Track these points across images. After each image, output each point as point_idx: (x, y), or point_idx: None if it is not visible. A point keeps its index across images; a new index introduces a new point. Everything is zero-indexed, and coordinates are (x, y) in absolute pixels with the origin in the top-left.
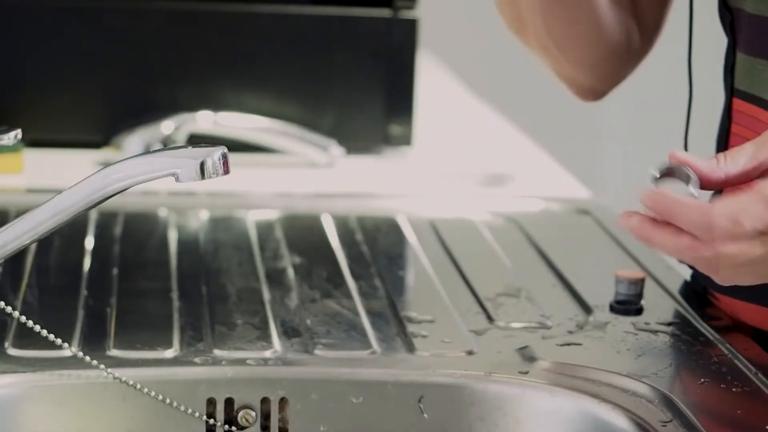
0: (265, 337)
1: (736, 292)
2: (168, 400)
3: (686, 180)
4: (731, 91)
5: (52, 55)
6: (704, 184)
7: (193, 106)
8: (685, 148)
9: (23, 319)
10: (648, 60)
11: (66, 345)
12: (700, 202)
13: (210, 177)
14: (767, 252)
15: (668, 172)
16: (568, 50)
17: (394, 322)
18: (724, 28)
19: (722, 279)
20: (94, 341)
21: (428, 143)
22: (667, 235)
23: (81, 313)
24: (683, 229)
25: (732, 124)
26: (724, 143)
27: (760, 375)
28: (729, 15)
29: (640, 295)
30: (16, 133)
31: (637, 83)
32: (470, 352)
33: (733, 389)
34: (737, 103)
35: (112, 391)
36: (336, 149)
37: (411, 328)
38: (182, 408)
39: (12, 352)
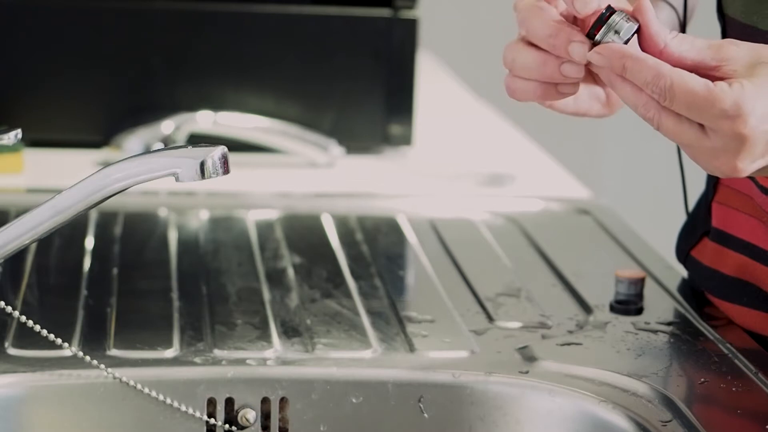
0: (265, 336)
1: (731, 297)
2: (168, 400)
3: (620, 30)
4: None
5: (52, 55)
6: (642, 43)
7: (193, 106)
8: (679, 154)
9: (23, 318)
10: None
11: (66, 345)
12: (654, 60)
13: (210, 177)
14: (695, 138)
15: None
16: None
17: (394, 322)
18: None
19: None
20: (94, 341)
21: (428, 143)
22: (628, 86)
23: (81, 312)
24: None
25: None
26: None
27: (760, 374)
28: (722, 21)
29: (640, 295)
30: (16, 133)
31: None
32: (470, 352)
33: (733, 388)
34: None
35: (112, 391)
36: (336, 149)
37: (411, 327)
38: (182, 408)
39: (12, 351)
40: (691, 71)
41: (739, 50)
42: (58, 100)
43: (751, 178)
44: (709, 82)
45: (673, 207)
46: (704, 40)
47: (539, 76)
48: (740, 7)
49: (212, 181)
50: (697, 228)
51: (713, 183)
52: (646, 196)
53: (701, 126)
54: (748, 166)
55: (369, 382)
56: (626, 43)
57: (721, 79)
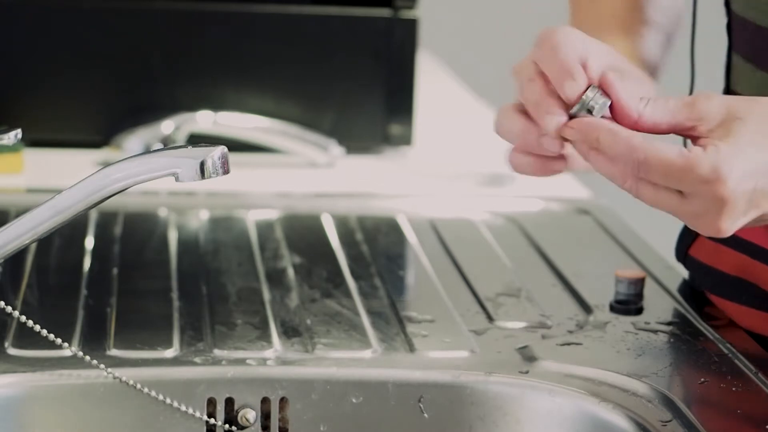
0: (265, 336)
1: (732, 296)
2: (168, 400)
3: (594, 106)
4: (727, 92)
5: (52, 55)
6: (615, 116)
7: (193, 106)
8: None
9: (23, 318)
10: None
11: (66, 345)
12: (626, 131)
13: (210, 177)
14: (675, 204)
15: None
16: None
17: (394, 322)
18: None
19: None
20: (94, 341)
21: (428, 143)
22: (603, 160)
23: (81, 312)
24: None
25: None
26: None
27: (760, 374)
28: (727, 14)
29: (640, 295)
30: (16, 133)
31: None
32: (470, 352)
33: (733, 388)
34: None
35: (112, 391)
36: (336, 149)
37: (411, 327)
38: (182, 408)
39: (12, 351)
40: (668, 133)
41: (712, 107)
42: (58, 100)
43: None
44: (683, 149)
45: None
46: (677, 99)
47: (522, 145)
48: (741, 2)
49: (212, 181)
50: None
51: None
52: None
53: (680, 192)
54: (730, 226)
55: (369, 382)
56: (602, 116)
57: (698, 138)
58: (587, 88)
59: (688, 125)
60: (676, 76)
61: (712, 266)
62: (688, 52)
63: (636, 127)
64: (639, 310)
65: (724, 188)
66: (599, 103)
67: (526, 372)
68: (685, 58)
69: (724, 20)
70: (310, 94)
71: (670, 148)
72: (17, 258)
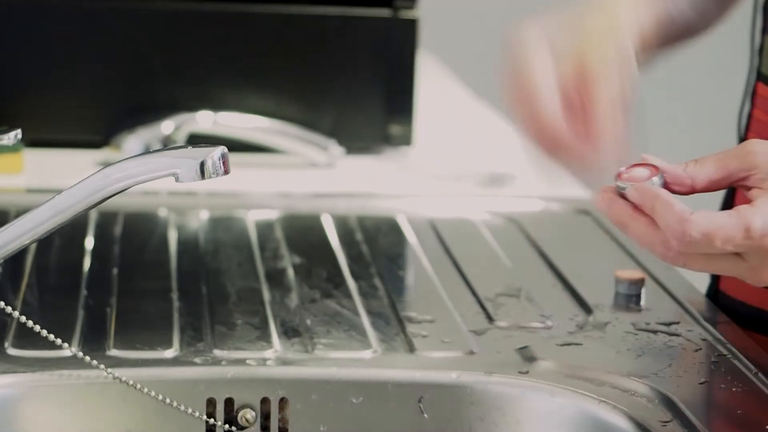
0: (265, 337)
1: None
2: (168, 400)
3: (652, 175)
4: (757, 74)
5: (51, 55)
6: (671, 185)
7: (192, 106)
8: (743, 131)
9: (23, 319)
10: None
11: (66, 345)
12: (682, 206)
13: (210, 177)
14: (732, 266)
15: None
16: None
17: (394, 322)
18: (759, 9)
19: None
20: (94, 341)
21: (428, 143)
22: (644, 226)
23: (81, 313)
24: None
25: (754, 109)
26: (744, 128)
27: (760, 375)
28: (763, 18)
29: (640, 296)
30: (16, 133)
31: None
32: (470, 352)
33: (734, 389)
34: (761, 87)
35: (112, 391)
36: (336, 149)
37: (411, 328)
38: (182, 408)
39: (12, 352)
40: (724, 184)
41: (763, 156)
42: (58, 100)
43: None
44: (732, 212)
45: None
46: (723, 152)
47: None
48: None
49: (212, 181)
50: None
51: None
52: None
53: (736, 253)
54: None
55: (369, 382)
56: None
57: (751, 188)
58: (651, 174)
59: (741, 175)
60: (677, 84)
61: (738, 299)
62: (686, 57)
63: (694, 190)
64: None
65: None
66: (657, 184)
67: (526, 372)
68: (684, 73)
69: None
70: (310, 94)
71: (718, 214)
72: (17, 258)
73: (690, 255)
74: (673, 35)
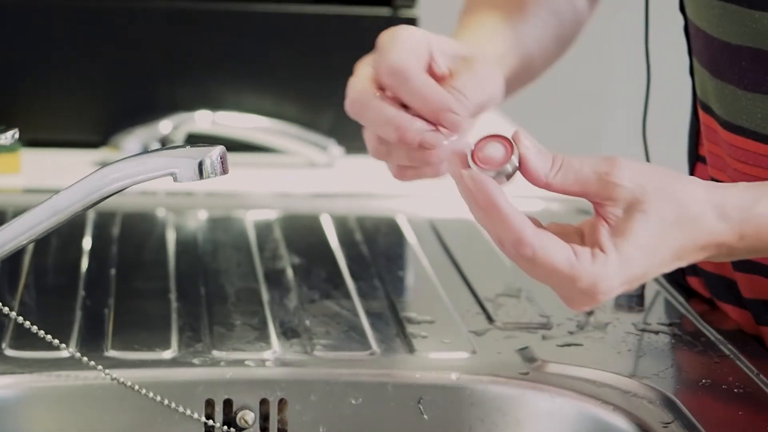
0: (264, 337)
1: (723, 295)
2: (166, 402)
3: (505, 160)
4: (693, 95)
5: (49, 55)
6: (525, 174)
7: (191, 106)
8: (644, 138)
9: (20, 319)
10: (654, 61)
11: (64, 346)
12: (520, 225)
13: (208, 177)
14: (560, 293)
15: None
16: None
17: (393, 323)
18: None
19: None
20: (91, 342)
21: None
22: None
23: (79, 313)
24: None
25: (701, 125)
26: (695, 143)
27: (761, 376)
28: (684, 18)
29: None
30: (14, 133)
31: (640, 83)
32: (470, 353)
33: (735, 390)
34: (698, 108)
35: (109, 393)
36: (335, 149)
37: (410, 328)
38: (180, 409)
39: (9, 353)
40: (579, 196)
41: (623, 189)
42: (56, 100)
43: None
44: (571, 256)
45: None
46: (590, 167)
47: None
48: (693, 11)
49: (211, 181)
50: None
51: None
52: None
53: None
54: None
55: (368, 383)
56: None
57: (601, 217)
58: (506, 152)
59: (596, 200)
60: (677, 85)
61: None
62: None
63: (545, 188)
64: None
65: (600, 298)
66: (510, 171)
67: (527, 373)
68: (684, 74)
69: (680, 20)
70: (309, 93)
71: (560, 251)
72: (15, 258)
73: (579, 302)
74: (521, 81)
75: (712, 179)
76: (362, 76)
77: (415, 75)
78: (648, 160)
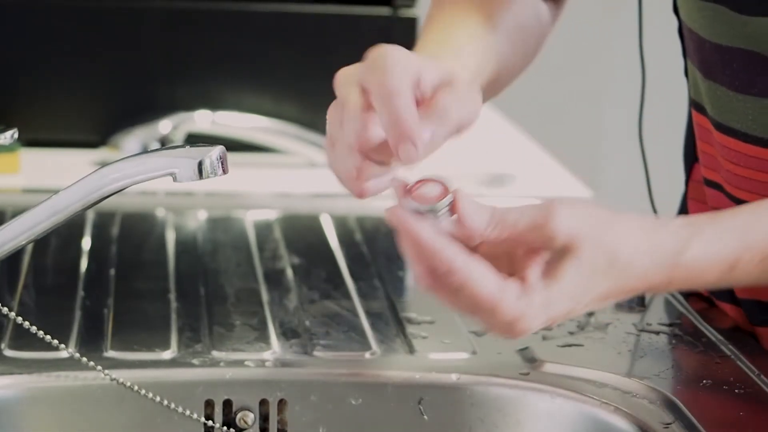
0: (264, 338)
1: (720, 293)
2: (165, 402)
3: (440, 216)
4: (689, 96)
5: (48, 54)
6: (462, 230)
7: (191, 106)
8: (640, 138)
9: (20, 320)
10: (650, 61)
11: (63, 346)
12: (451, 255)
13: (208, 177)
14: (479, 319)
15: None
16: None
17: (393, 323)
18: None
19: None
20: (91, 342)
21: None
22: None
23: (78, 314)
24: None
25: (695, 125)
26: (692, 144)
27: (762, 376)
28: (678, 20)
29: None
30: (13, 133)
31: (640, 83)
32: (470, 354)
33: (736, 390)
34: (692, 110)
35: (109, 393)
36: None
37: (411, 329)
38: (180, 410)
39: (8, 353)
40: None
41: (557, 241)
42: (55, 100)
43: (722, 189)
44: (498, 290)
45: (675, 207)
46: (527, 220)
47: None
48: (685, 13)
49: (210, 181)
50: None
51: (686, 179)
52: (647, 195)
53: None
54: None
55: (368, 383)
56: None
57: (536, 255)
58: (442, 193)
59: (533, 246)
60: (678, 85)
61: None
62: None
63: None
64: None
65: (518, 333)
66: (446, 218)
67: (527, 374)
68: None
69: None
70: (309, 93)
71: (487, 281)
72: (14, 259)
73: (443, 288)
74: (499, 86)
75: (706, 179)
76: (353, 102)
77: (402, 95)
78: (644, 160)
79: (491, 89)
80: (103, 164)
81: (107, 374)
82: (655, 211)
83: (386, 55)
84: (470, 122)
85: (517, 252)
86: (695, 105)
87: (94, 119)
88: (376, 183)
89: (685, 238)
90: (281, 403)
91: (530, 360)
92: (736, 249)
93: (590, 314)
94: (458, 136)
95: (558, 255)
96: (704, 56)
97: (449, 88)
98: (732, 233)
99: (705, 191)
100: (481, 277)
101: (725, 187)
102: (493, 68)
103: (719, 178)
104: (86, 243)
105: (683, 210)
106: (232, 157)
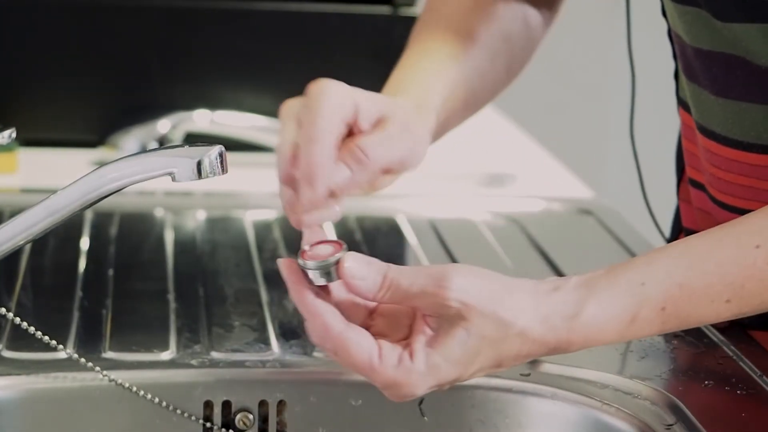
0: (263, 338)
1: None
2: (164, 403)
3: (319, 266)
4: (677, 98)
5: (47, 54)
6: (354, 292)
7: (189, 105)
8: (632, 138)
9: (18, 320)
10: (650, 61)
11: (61, 347)
12: (339, 328)
13: (207, 176)
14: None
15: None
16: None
17: None
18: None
19: None
20: (89, 343)
21: None
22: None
23: (76, 314)
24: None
25: (683, 126)
26: (683, 152)
27: (764, 377)
28: (666, 23)
29: None
30: (11, 132)
31: (640, 83)
32: None
33: (738, 391)
34: (681, 112)
35: (107, 394)
36: None
37: None
38: (179, 411)
39: (6, 354)
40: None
41: (449, 309)
42: (53, 99)
43: (705, 191)
44: (374, 357)
45: (671, 207)
46: (419, 285)
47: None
48: (670, 17)
49: (209, 180)
50: (675, 228)
51: (677, 180)
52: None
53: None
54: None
55: (368, 384)
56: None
57: (425, 322)
58: (331, 254)
59: (428, 311)
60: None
61: None
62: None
63: (364, 298)
64: None
65: (403, 397)
66: (328, 265)
67: (528, 375)
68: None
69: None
70: None
71: (361, 349)
72: (11, 259)
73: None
74: (464, 117)
75: (691, 180)
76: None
77: (320, 141)
78: (636, 160)
79: (466, 112)
80: (102, 164)
81: (106, 375)
82: (650, 211)
83: (321, 93)
84: (405, 163)
85: (416, 313)
86: (683, 104)
87: (93, 118)
88: (319, 214)
89: (578, 300)
90: (281, 404)
91: (531, 361)
92: (632, 305)
93: None
94: (396, 175)
95: (447, 323)
96: (687, 59)
97: (379, 129)
98: (627, 288)
99: (690, 192)
100: (355, 345)
101: (708, 189)
102: (461, 96)
103: (703, 180)
104: (84, 243)
105: (678, 211)
106: (231, 157)
